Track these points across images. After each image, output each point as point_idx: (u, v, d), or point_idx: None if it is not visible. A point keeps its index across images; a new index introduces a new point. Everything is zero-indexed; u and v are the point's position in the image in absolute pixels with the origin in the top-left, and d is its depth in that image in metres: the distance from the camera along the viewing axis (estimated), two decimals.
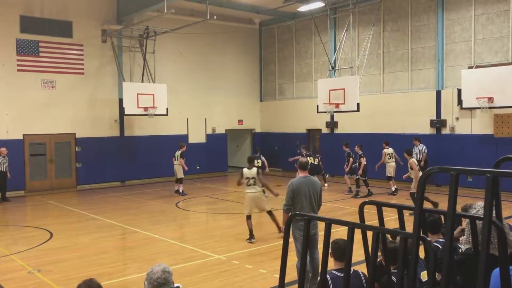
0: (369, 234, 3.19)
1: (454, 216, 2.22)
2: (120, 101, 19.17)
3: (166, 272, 3.63)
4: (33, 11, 17.74)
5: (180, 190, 16.45)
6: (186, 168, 16.58)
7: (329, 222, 2.79)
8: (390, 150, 15.99)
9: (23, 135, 17.62)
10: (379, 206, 3.33)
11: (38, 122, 17.84)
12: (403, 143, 17.35)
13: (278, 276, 7.92)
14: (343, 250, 4.50)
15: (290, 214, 6.60)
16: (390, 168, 15.81)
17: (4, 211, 14.32)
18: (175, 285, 5.12)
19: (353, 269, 4.07)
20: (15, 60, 17.37)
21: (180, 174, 16.46)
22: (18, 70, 17.42)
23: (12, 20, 17.28)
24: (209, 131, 22.73)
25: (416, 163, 12.96)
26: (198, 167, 21.79)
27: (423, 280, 3.91)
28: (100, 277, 7.80)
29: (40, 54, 17.89)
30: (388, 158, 15.89)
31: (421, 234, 2.57)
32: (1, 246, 9.85)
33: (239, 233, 10.94)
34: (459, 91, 15.72)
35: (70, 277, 7.76)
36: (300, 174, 6.93)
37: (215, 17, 17.37)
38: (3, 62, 17.13)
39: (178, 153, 16.60)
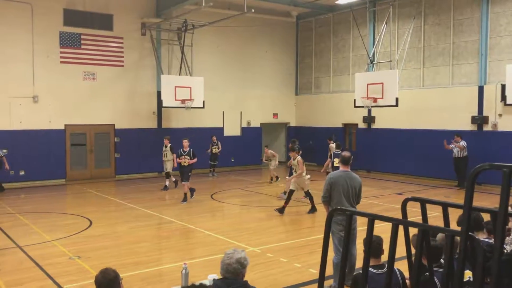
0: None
1: (506, 215, 2.13)
2: (158, 93, 19.46)
3: (239, 263, 3.54)
4: (75, 5, 18.19)
5: (167, 184, 16.22)
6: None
7: (372, 218, 2.72)
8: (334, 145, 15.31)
9: (65, 125, 18.15)
10: (423, 202, 3.25)
11: (79, 113, 18.32)
12: (443, 139, 16.92)
13: (312, 270, 7.88)
14: (377, 247, 4.50)
15: (329, 207, 6.56)
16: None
17: (46, 199, 14.80)
18: (211, 275, 5.12)
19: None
20: (58, 52, 17.87)
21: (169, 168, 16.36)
22: (61, 62, 17.92)
23: (56, 13, 17.78)
24: (244, 124, 22.80)
25: (303, 162, 12.15)
26: (232, 160, 21.91)
27: (464, 280, 3.80)
28: (137, 266, 8.00)
29: (82, 47, 18.35)
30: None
31: None
32: (43, 232, 10.19)
33: (273, 226, 10.95)
34: (503, 86, 15.18)
35: (108, 264, 7.89)
36: (341, 168, 6.86)
37: (253, 10, 17.33)
38: (48, 54, 17.66)
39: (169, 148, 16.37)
